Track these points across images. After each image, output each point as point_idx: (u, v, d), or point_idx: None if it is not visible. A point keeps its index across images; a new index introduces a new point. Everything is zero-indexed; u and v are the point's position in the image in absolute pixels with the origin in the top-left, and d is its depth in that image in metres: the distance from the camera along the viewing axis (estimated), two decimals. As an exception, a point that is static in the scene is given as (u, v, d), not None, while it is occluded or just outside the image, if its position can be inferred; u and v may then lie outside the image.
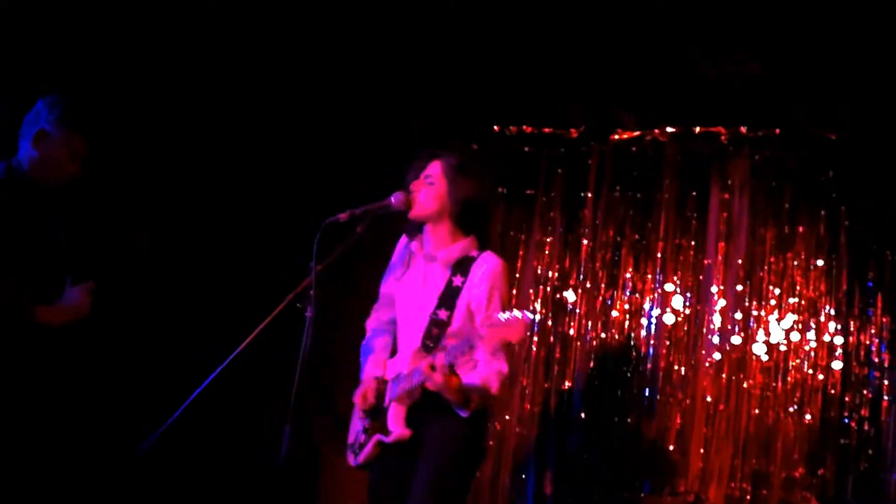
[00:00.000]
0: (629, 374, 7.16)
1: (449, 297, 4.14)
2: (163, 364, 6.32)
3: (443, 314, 4.11)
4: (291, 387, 3.70)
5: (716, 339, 6.97)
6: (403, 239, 4.52)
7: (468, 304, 4.13)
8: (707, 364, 6.94)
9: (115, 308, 6.01)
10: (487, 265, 4.16)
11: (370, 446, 4.20)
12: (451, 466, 4.02)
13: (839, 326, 6.79)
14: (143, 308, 6.46)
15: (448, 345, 3.96)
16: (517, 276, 7.30)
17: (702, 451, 6.80)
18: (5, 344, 4.32)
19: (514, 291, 4.14)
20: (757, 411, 6.76)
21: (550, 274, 7.41)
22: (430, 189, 4.24)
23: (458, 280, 4.16)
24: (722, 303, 7.01)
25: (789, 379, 6.78)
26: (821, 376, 6.74)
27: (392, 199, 4.16)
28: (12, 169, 4.51)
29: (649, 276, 7.26)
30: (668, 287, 7.19)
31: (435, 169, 4.28)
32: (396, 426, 4.09)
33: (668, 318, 7.14)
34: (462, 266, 4.19)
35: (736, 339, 6.93)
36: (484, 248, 4.30)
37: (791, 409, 6.72)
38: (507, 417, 7.18)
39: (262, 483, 6.23)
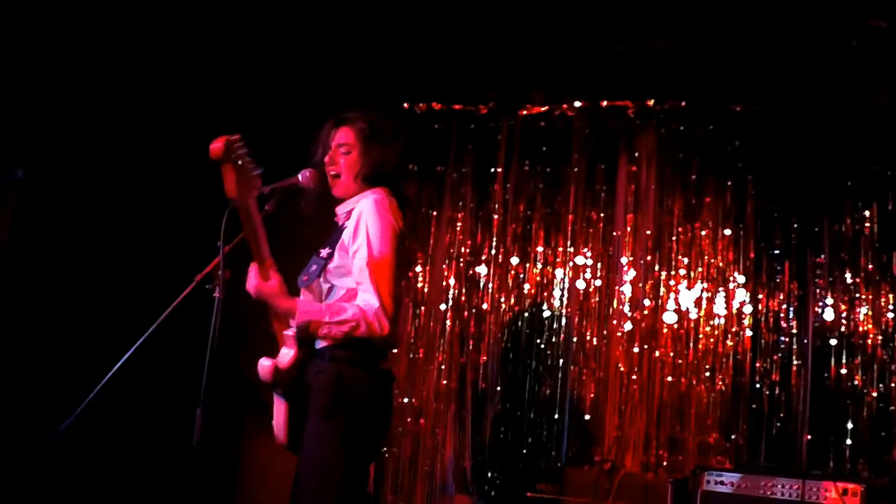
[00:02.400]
0: (543, 346, 7.21)
1: (334, 237, 4.10)
2: (73, 349, 6.24)
3: (324, 252, 4.08)
4: (202, 369, 3.66)
5: (627, 310, 7.03)
6: None
7: (343, 241, 4.06)
8: (619, 334, 7.00)
9: (24, 294, 5.94)
10: (364, 200, 4.07)
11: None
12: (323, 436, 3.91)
13: (748, 294, 6.88)
14: (52, 293, 6.37)
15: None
16: (430, 246, 7.34)
17: (617, 420, 6.86)
18: None
19: (399, 225, 3.96)
20: (670, 379, 6.84)
21: (462, 249, 7.44)
22: (347, 158, 4.19)
23: (344, 221, 4.13)
24: (632, 273, 7.07)
25: (700, 347, 6.86)
26: (731, 343, 6.83)
27: (299, 177, 4.12)
28: None
29: (560, 249, 7.30)
30: (579, 259, 7.24)
31: (347, 136, 4.22)
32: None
33: (580, 289, 7.19)
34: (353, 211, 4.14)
35: (646, 309, 6.99)
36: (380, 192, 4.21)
37: (703, 376, 6.80)
38: (423, 393, 7.20)
39: (178, 466, 6.18)
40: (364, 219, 3.98)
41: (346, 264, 4.01)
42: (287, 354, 3.97)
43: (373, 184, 4.18)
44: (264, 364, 3.97)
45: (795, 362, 6.71)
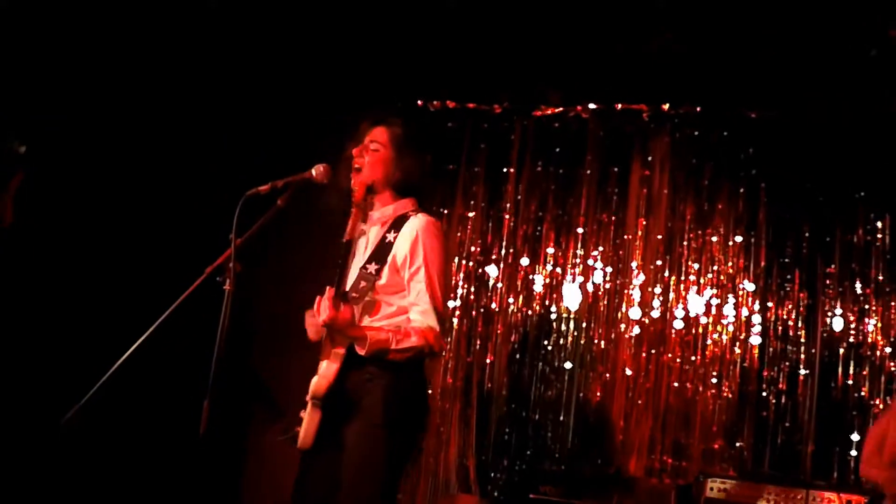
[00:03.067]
0: (550, 348, 7.21)
1: (380, 252, 4.09)
2: (82, 339, 6.25)
3: (372, 268, 4.07)
4: (211, 361, 3.66)
5: (635, 314, 7.02)
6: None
7: (395, 259, 4.03)
8: (627, 337, 7.00)
9: (32, 282, 5.95)
10: (418, 222, 4.02)
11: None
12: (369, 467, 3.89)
13: (757, 301, 6.87)
14: (61, 282, 6.38)
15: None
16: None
17: (622, 423, 6.86)
18: None
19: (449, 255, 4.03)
20: (676, 384, 6.83)
21: (473, 248, 7.43)
22: (375, 155, 4.14)
23: (391, 236, 4.09)
24: (641, 277, 7.06)
25: (708, 353, 6.86)
26: (739, 350, 6.82)
27: (312, 172, 4.09)
28: None
29: (570, 251, 7.29)
30: (589, 262, 7.24)
31: (381, 135, 4.17)
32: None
33: (589, 293, 7.20)
34: (397, 223, 4.10)
35: (655, 314, 6.99)
36: (420, 210, 4.17)
37: (710, 383, 6.79)
38: (429, 392, 7.19)
39: (184, 457, 6.19)
40: (422, 242, 3.98)
41: (398, 283, 4.02)
42: (331, 369, 3.96)
43: (403, 193, 4.18)
44: (324, 308, 3.93)
45: (803, 371, 6.70)
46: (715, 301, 6.94)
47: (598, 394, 7.01)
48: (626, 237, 7.18)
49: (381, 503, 3.84)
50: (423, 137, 4.30)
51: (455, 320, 7.30)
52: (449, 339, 7.25)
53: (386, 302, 4.03)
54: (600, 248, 7.26)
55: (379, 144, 4.15)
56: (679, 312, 6.96)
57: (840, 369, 6.62)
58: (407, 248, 3.99)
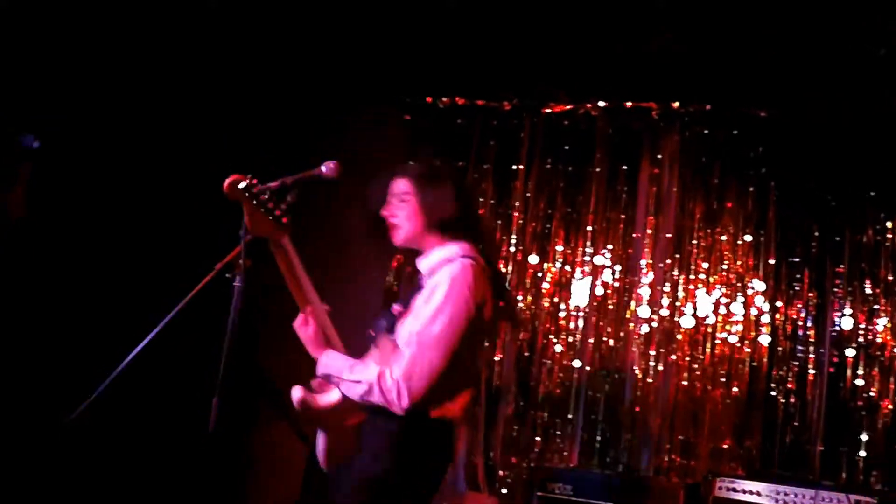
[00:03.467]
0: (559, 346, 7.20)
1: (410, 295, 3.88)
2: (91, 335, 6.25)
3: (396, 308, 3.94)
4: (220, 358, 3.66)
5: (644, 312, 7.02)
6: None
7: (417, 301, 3.80)
8: (635, 336, 6.99)
9: (44, 277, 5.95)
10: (448, 267, 3.75)
11: None
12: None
13: (766, 301, 6.86)
14: (74, 279, 6.39)
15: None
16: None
17: (630, 422, 6.86)
18: None
19: (475, 303, 3.65)
20: (685, 383, 6.82)
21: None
22: (405, 207, 3.98)
23: (425, 279, 3.88)
24: (650, 276, 7.06)
25: (716, 352, 6.85)
26: (747, 349, 6.81)
27: (323, 168, 4.07)
28: None
29: (579, 249, 7.29)
30: (598, 260, 7.23)
31: (404, 186, 4.02)
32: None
33: (598, 291, 7.19)
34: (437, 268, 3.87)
35: (664, 312, 6.98)
36: (469, 255, 3.84)
37: (719, 382, 6.78)
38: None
39: (191, 455, 6.19)
40: (437, 289, 3.69)
41: None
42: (329, 397, 3.78)
43: (450, 233, 3.94)
44: (295, 394, 3.71)
45: (811, 371, 6.69)
46: (724, 300, 6.93)
47: (607, 392, 7.00)
48: (634, 235, 7.17)
49: None
50: (447, 169, 4.12)
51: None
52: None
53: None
54: (609, 246, 7.25)
55: (404, 194, 4.01)
56: (688, 311, 6.95)
57: (849, 369, 6.60)
58: (427, 291, 3.74)
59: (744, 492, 5.82)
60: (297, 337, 3.95)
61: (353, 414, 3.75)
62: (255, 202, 3.58)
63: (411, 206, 3.96)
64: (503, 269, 7.34)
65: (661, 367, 6.91)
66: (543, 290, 7.33)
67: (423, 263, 3.94)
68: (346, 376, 3.68)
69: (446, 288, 3.67)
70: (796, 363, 6.74)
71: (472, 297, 3.69)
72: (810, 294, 6.81)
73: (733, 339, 6.85)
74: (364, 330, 4.00)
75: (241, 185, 3.54)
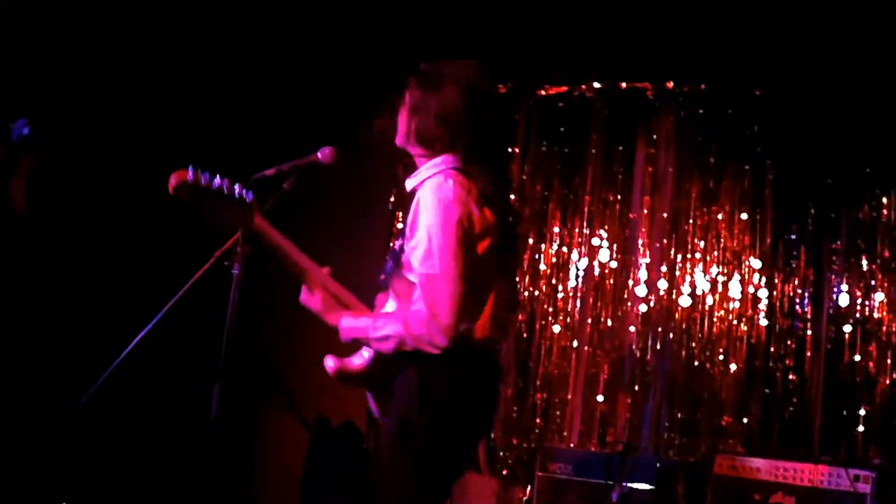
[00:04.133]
0: (557, 327, 7.23)
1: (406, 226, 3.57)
2: (91, 325, 6.28)
3: (397, 244, 3.79)
4: (220, 345, 3.68)
5: (641, 291, 7.04)
6: None
7: (406, 228, 3.54)
8: (634, 315, 7.02)
9: (42, 269, 5.97)
10: (426, 185, 3.46)
11: None
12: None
13: (763, 278, 6.89)
14: (70, 270, 6.41)
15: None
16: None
17: (630, 401, 6.88)
18: None
19: (466, 213, 3.29)
20: (683, 362, 6.85)
21: (478, 228, 7.45)
22: (401, 112, 3.65)
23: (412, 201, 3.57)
24: (648, 255, 7.08)
25: (714, 329, 6.87)
26: (745, 327, 6.84)
27: (319, 154, 4.05)
28: None
29: (576, 230, 7.31)
30: (595, 241, 7.25)
31: (408, 86, 3.67)
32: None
33: (595, 271, 7.21)
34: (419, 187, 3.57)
35: (661, 291, 7.01)
36: (451, 167, 3.51)
37: (717, 359, 6.81)
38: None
39: (195, 442, 6.22)
40: (424, 210, 3.40)
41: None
42: (361, 358, 3.68)
43: (437, 145, 3.56)
44: (328, 364, 3.63)
45: (809, 348, 6.72)
46: (721, 278, 6.95)
47: (606, 372, 7.03)
48: (631, 216, 7.19)
49: None
50: (459, 67, 3.58)
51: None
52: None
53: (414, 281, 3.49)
54: (606, 227, 7.26)
55: (405, 97, 3.64)
56: (685, 289, 6.97)
57: (847, 345, 6.63)
58: (412, 216, 3.46)
59: (744, 468, 5.85)
60: (299, 321, 3.95)
61: (391, 365, 3.53)
62: (210, 195, 3.40)
63: (403, 110, 3.63)
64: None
65: (659, 346, 6.92)
66: (541, 272, 7.35)
67: (409, 182, 3.66)
68: (372, 335, 3.45)
69: (431, 203, 3.36)
70: (794, 340, 6.77)
71: (458, 204, 3.34)
72: (807, 271, 6.83)
73: (731, 316, 6.87)
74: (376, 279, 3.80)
75: (189, 179, 3.33)
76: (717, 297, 6.94)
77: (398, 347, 3.37)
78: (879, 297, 6.65)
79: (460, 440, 3.49)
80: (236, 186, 3.44)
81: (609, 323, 7.12)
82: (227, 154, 6.65)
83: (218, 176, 3.39)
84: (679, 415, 6.81)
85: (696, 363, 6.85)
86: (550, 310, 7.29)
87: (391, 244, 3.89)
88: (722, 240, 6.99)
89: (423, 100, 3.53)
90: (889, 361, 6.52)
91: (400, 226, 7.13)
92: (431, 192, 3.38)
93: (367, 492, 3.59)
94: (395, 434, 3.40)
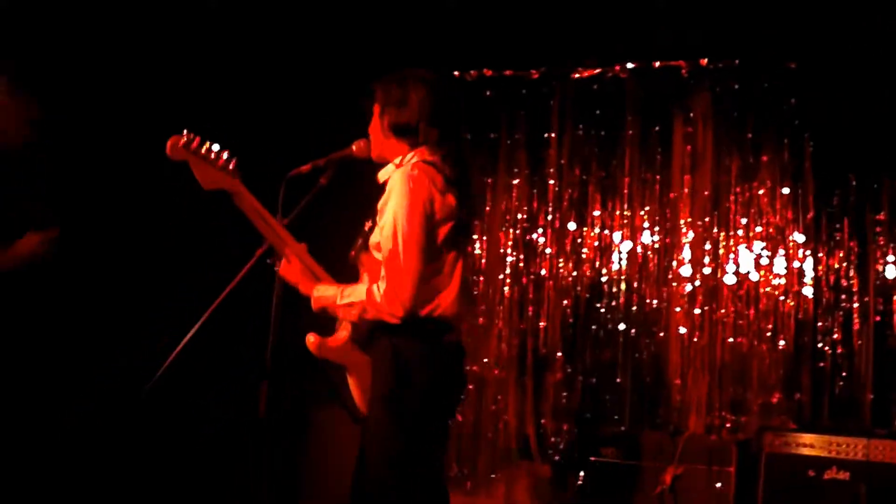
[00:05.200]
0: (602, 311, 7.21)
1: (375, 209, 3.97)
2: (138, 325, 6.33)
3: (367, 224, 4.04)
4: (266, 342, 3.70)
5: (686, 271, 7.01)
6: None
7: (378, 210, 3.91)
8: (679, 296, 6.99)
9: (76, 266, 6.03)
10: (396, 174, 3.86)
11: None
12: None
13: (808, 252, 6.83)
14: (117, 268, 6.46)
15: None
16: (486, 214, 7.38)
17: (678, 382, 6.86)
18: None
19: (430, 200, 3.77)
20: (731, 340, 6.82)
21: (519, 216, 7.44)
22: (372, 122, 4.04)
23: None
24: (690, 234, 7.04)
25: (761, 306, 6.83)
26: (792, 302, 6.79)
27: (353, 148, 4.10)
28: None
29: (617, 213, 7.28)
30: (637, 222, 7.22)
31: (374, 107, 4.05)
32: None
33: (638, 253, 7.19)
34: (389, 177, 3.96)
35: (706, 270, 6.97)
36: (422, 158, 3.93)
37: (765, 336, 6.77)
38: (485, 360, 7.23)
39: (245, 439, 6.25)
40: (392, 195, 3.79)
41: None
42: (340, 334, 3.93)
43: (407, 140, 3.97)
44: (310, 340, 3.87)
45: (857, 321, 6.66)
46: (766, 254, 6.91)
47: (654, 354, 7.00)
48: (672, 195, 7.15)
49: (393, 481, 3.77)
50: (419, 76, 4.00)
51: (506, 288, 7.35)
52: (501, 307, 7.29)
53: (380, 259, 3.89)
54: (647, 208, 7.23)
55: (374, 105, 4.06)
56: (730, 267, 6.93)
57: (895, 317, 6.57)
58: (383, 201, 3.85)
59: (796, 444, 5.83)
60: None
61: (365, 339, 3.91)
62: (200, 157, 3.71)
63: (374, 119, 4.03)
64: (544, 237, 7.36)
65: (706, 326, 6.89)
66: (583, 256, 7.33)
67: (381, 173, 4.03)
68: (339, 302, 3.83)
69: (398, 187, 3.77)
70: (841, 313, 6.71)
71: (424, 191, 3.77)
72: (851, 243, 6.77)
73: (777, 292, 6.83)
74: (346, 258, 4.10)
75: (182, 142, 3.66)
76: (762, 273, 6.89)
77: (361, 314, 3.78)
78: (926, 266, 6.59)
79: (436, 400, 3.84)
80: (224, 153, 3.79)
81: (654, 304, 7.08)
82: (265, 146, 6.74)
83: (207, 142, 3.73)
84: (728, 394, 6.77)
85: (744, 341, 6.80)
86: (596, 294, 7.27)
87: (363, 225, 4.01)
88: (764, 215, 6.94)
89: (394, 99, 3.93)
90: (939, 330, 6.47)
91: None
92: (400, 180, 3.77)
93: (360, 461, 3.82)
94: (381, 401, 3.75)
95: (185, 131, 3.66)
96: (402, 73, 4.01)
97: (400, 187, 3.76)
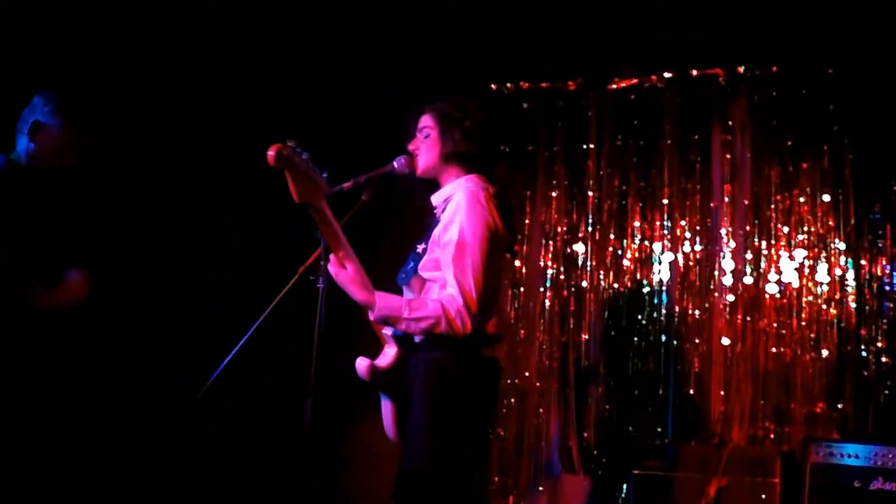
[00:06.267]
0: (644, 322, 7.19)
1: (429, 231, 4.08)
2: (181, 340, 6.37)
3: (420, 247, 4.08)
4: (310, 359, 3.71)
5: (728, 281, 6.98)
6: None
7: (436, 232, 4.02)
8: (721, 306, 6.95)
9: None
10: (460, 192, 4.04)
11: None
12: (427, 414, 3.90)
13: (850, 260, 6.79)
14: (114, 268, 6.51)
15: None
16: (526, 226, 7.37)
17: (722, 393, 6.82)
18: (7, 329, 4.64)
19: (494, 219, 3.99)
20: (774, 350, 6.77)
21: (559, 228, 7.44)
22: (426, 142, 4.16)
23: (440, 212, 4.11)
24: (731, 244, 7.01)
25: (804, 315, 6.79)
26: (834, 311, 6.75)
27: (395, 164, 4.13)
28: (11, 161, 4.84)
29: (657, 223, 7.26)
30: (677, 232, 7.20)
31: (427, 120, 4.19)
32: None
33: (679, 263, 7.16)
34: (450, 199, 4.10)
35: (748, 280, 6.93)
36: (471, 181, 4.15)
37: (808, 346, 6.73)
38: (526, 374, 7.22)
39: (287, 455, 6.27)
40: (458, 212, 3.92)
41: (438, 258, 3.98)
42: (388, 354, 4.00)
43: (463, 165, 4.17)
44: (360, 364, 3.97)
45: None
46: (808, 262, 6.86)
47: (696, 365, 6.97)
48: (712, 205, 7.12)
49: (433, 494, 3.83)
50: (475, 105, 4.24)
51: (546, 301, 7.33)
52: (542, 320, 7.28)
53: (430, 280, 4.02)
54: (687, 218, 7.20)
55: (427, 129, 4.18)
56: (772, 276, 6.89)
57: (940, 323, 6.53)
58: (446, 219, 3.97)
59: (842, 455, 5.78)
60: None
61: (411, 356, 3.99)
62: (301, 168, 3.66)
63: (431, 140, 4.16)
64: (582, 248, 7.35)
65: (748, 336, 6.85)
66: (624, 267, 7.31)
67: (435, 196, 4.20)
68: (406, 315, 3.83)
69: (465, 206, 3.93)
70: (885, 321, 6.66)
71: (488, 210, 3.97)
72: (894, 249, 6.72)
73: (819, 301, 6.78)
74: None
75: (286, 151, 3.60)
76: (804, 281, 6.84)
77: (430, 329, 3.82)
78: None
79: (478, 413, 3.97)
80: (315, 167, 3.74)
81: (696, 315, 7.05)
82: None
83: (305, 153, 3.68)
84: (772, 404, 6.72)
85: (787, 350, 6.76)
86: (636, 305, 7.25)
87: (415, 246, 4.06)
88: (805, 224, 6.90)
89: (457, 125, 4.13)
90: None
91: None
92: (466, 198, 3.96)
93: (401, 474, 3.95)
94: (425, 412, 3.85)
95: (290, 142, 3.63)
96: (459, 100, 4.22)
97: (468, 205, 3.93)
